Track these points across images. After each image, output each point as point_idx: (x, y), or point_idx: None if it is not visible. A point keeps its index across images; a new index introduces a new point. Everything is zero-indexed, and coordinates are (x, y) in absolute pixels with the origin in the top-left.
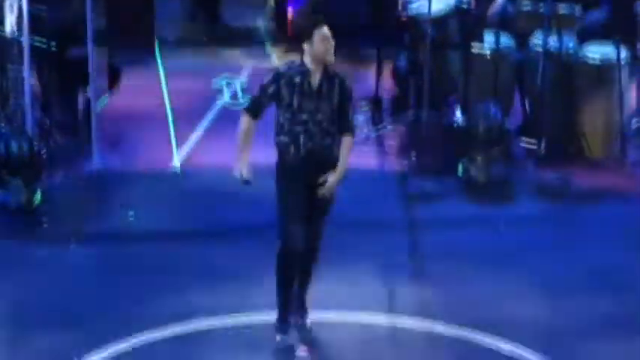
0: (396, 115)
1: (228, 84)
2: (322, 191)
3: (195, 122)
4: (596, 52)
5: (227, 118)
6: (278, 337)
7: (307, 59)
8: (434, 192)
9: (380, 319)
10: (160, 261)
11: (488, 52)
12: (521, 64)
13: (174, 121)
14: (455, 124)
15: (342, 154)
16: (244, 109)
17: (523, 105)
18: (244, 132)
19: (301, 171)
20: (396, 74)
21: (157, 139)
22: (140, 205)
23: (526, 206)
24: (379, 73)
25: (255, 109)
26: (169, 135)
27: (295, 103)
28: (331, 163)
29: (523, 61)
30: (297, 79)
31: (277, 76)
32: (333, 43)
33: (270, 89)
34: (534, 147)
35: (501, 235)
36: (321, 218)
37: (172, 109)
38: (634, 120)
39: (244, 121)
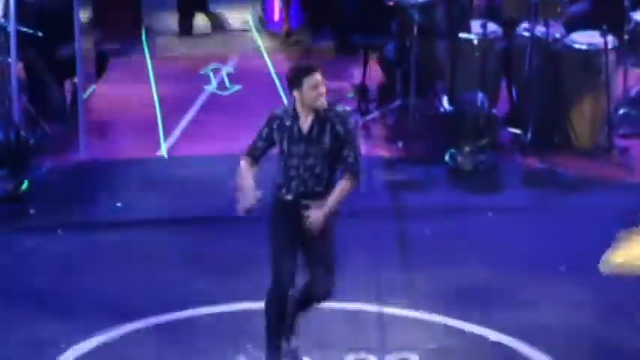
0: (383, 103)
1: (216, 72)
2: (307, 225)
3: (182, 110)
4: (583, 39)
5: (214, 106)
6: None
7: (298, 105)
8: (421, 180)
9: (368, 307)
10: (148, 249)
11: (475, 40)
12: (508, 52)
13: (161, 109)
14: (442, 112)
15: (334, 192)
16: (243, 154)
17: (510, 93)
18: (244, 171)
19: (291, 215)
20: (382, 62)
21: (144, 127)
22: (127, 193)
23: (513, 194)
24: (366, 61)
25: (252, 154)
26: (157, 123)
27: (286, 147)
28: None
29: (510, 49)
30: (288, 123)
31: (270, 119)
32: (324, 89)
33: (264, 133)
34: (521, 135)
35: (488, 222)
36: (321, 264)
37: (160, 97)
38: (620, 108)
39: (243, 164)
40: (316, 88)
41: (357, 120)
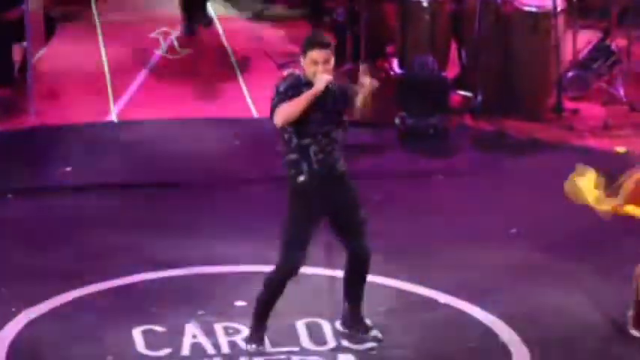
0: (333, 66)
1: (165, 35)
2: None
3: (132, 74)
4: (533, 1)
5: (164, 70)
6: (251, 347)
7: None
8: (371, 143)
9: (319, 271)
10: (99, 214)
11: (425, 2)
12: (458, 15)
13: (111, 73)
14: (392, 75)
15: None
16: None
17: (460, 56)
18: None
19: (314, 193)
20: (332, 24)
21: (94, 91)
22: (77, 158)
23: (463, 157)
24: (317, 25)
25: None
26: (106, 87)
27: (303, 116)
28: (342, 175)
29: (460, 12)
30: (304, 90)
31: (294, 84)
32: (326, 68)
33: (290, 94)
34: (471, 98)
35: (439, 185)
36: (361, 231)
37: (109, 61)
38: (570, 70)
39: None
40: (315, 64)
41: None
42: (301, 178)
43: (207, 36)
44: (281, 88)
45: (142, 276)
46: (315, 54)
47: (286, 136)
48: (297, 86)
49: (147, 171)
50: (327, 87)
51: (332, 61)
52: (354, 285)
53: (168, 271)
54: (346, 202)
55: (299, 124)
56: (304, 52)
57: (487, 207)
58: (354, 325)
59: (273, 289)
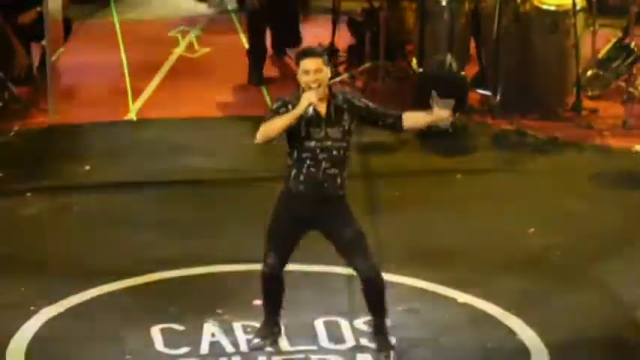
0: (352, 66)
1: (184, 34)
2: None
3: (151, 73)
4: (552, 0)
5: (182, 68)
6: (255, 340)
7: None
8: (390, 142)
9: (337, 270)
10: (117, 212)
11: (444, 1)
12: (477, 13)
13: (130, 72)
14: (411, 74)
15: (419, 119)
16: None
17: (479, 55)
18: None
19: (299, 202)
20: (351, 24)
21: (112, 90)
22: (96, 157)
23: (482, 156)
24: (335, 23)
25: None
26: (125, 86)
27: (304, 131)
28: (332, 195)
29: (479, 10)
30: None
31: (284, 103)
32: (318, 76)
33: (282, 111)
34: (490, 97)
35: (457, 184)
36: (357, 250)
37: (128, 60)
38: (589, 69)
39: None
40: (307, 73)
41: None
42: (291, 185)
43: (225, 34)
44: (274, 106)
45: (160, 274)
46: (306, 63)
47: (289, 149)
48: (288, 103)
49: (166, 169)
50: (328, 101)
51: (324, 70)
52: (370, 311)
53: (187, 269)
54: (335, 222)
55: (301, 139)
56: (297, 64)
57: (506, 206)
58: (378, 340)
59: (264, 287)
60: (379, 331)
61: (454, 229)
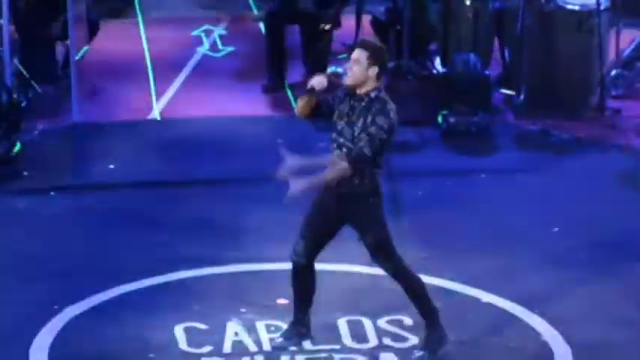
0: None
1: (208, 33)
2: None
3: (175, 72)
4: (576, 0)
5: (206, 67)
6: (279, 340)
7: None
8: (414, 142)
9: (361, 269)
10: (141, 211)
11: (467, 1)
12: (501, 13)
13: (153, 72)
14: (435, 74)
15: (327, 169)
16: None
17: (503, 54)
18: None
19: (328, 193)
20: (375, 23)
21: (136, 90)
22: (120, 156)
23: (505, 156)
24: (359, 23)
25: (325, 99)
26: (149, 85)
27: (334, 118)
28: (349, 192)
29: (503, 10)
30: (342, 95)
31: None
32: (354, 67)
33: (337, 93)
34: (514, 96)
35: (481, 184)
36: (373, 254)
37: (152, 60)
38: (613, 69)
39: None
40: (349, 60)
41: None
42: None
43: (249, 33)
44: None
45: (184, 273)
46: (353, 52)
47: None
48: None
49: (190, 168)
50: (360, 100)
51: (363, 64)
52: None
53: (211, 268)
54: (358, 225)
55: (332, 128)
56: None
57: (529, 206)
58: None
59: (291, 277)
60: (426, 326)
61: (478, 229)
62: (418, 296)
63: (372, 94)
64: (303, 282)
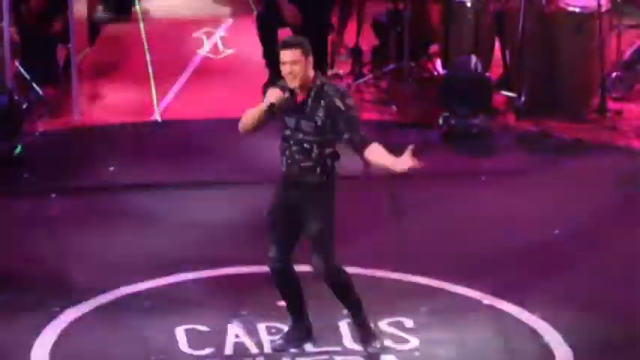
0: (377, 67)
1: (209, 35)
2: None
3: (175, 74)
4: (577, 2)
5: (207, 69)
6: (278, 342)
7: None
8: (414, 144)
9: (362, 271)
10: (141, 213)
11: (468, 2)
12: (502, 15)
13: (154, 73)
14: (435, 76)
15: (380, 157)
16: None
17: (503, 56)
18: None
19: (283, 189)
20: (375, 25)
21: (137, 91)
22: (120, 157)
23: (506, 158)
24: (359, 24)
25: None
26: (150, 87)
27: (283, 118)
28: (309, 185)
29: (503, 11)
30: (286, 95)
31: (280, 85)
32: (293, 68)
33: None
34: (515, 98)
35: (482, 186)
36: (314, 247)
37: (152, 61)
38: (614, 70)
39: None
40: (284, 64)
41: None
42: (280, 175)
43: (250, 36)
44: (269, 89)
45: (184, 275)
46: (283, 54)
47: (281, 132)
48: (284, 88)
49: (191, 170)
50: (307, 93)
51: (302, 62)
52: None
53: (212, 270)
54: (306, 213)
55: (282, 126)
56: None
57: (530, 208)
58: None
59: (274, 281)
60: (358, 322)
61: (478, 231)
62: (350, 297)
63: (317, 82)
64: (287, 284)
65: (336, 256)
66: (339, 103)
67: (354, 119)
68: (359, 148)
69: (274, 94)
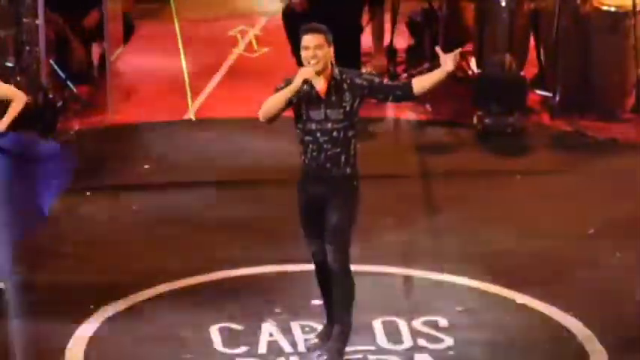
0: (412, 66)
1: (243, 34)
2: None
3: (210, 73)
4: (612, 1)
5: (242, 68)
6: (313, 340)
7: None
8: (449, 142)
9: (396, 270)
10: (176, 212)
11: (503, 1)
12: (537, 14)
13: (189, 72)
14: (470, 74)
15: (428, 79)
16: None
17: (538, 55)
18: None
19: (308, 185)
20: (410, 24)
21: (171, 90)
22: (155, 156)
23: (541, 157)
24: (394, 24)
25: None
26: (184, 85)
27: (304, 112)
28: (333, 179)
29: (538, 11)
30: (305, 87)
31: (288, 81)
32: (317, 52)
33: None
34: (549, 97)
35: (516, 185)
36: (331, 239)
37: (187, 60)
38: None
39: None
40: (306, 49)
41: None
42: (302, 168)
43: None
44: (279, 85)
45: (219, 274)
46: (307, 39)
47: (297, 126)
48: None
49: (225, 169)
50: (328, 82)
51: (325, 48)
52: (334, 302)
53: (246, 269)
54: (330, 205)
55: (303, 121)
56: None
57: (565, 207)
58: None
59: (316, 275)
60: (334, 338)
61: (513, 230)
62: (348, 301)
63: (336, 70)
64: (327, 279)
65: (350, 257)
66: (359, 80)
67: (381, 82)
68: (409, 93)
69: (304, 73)
